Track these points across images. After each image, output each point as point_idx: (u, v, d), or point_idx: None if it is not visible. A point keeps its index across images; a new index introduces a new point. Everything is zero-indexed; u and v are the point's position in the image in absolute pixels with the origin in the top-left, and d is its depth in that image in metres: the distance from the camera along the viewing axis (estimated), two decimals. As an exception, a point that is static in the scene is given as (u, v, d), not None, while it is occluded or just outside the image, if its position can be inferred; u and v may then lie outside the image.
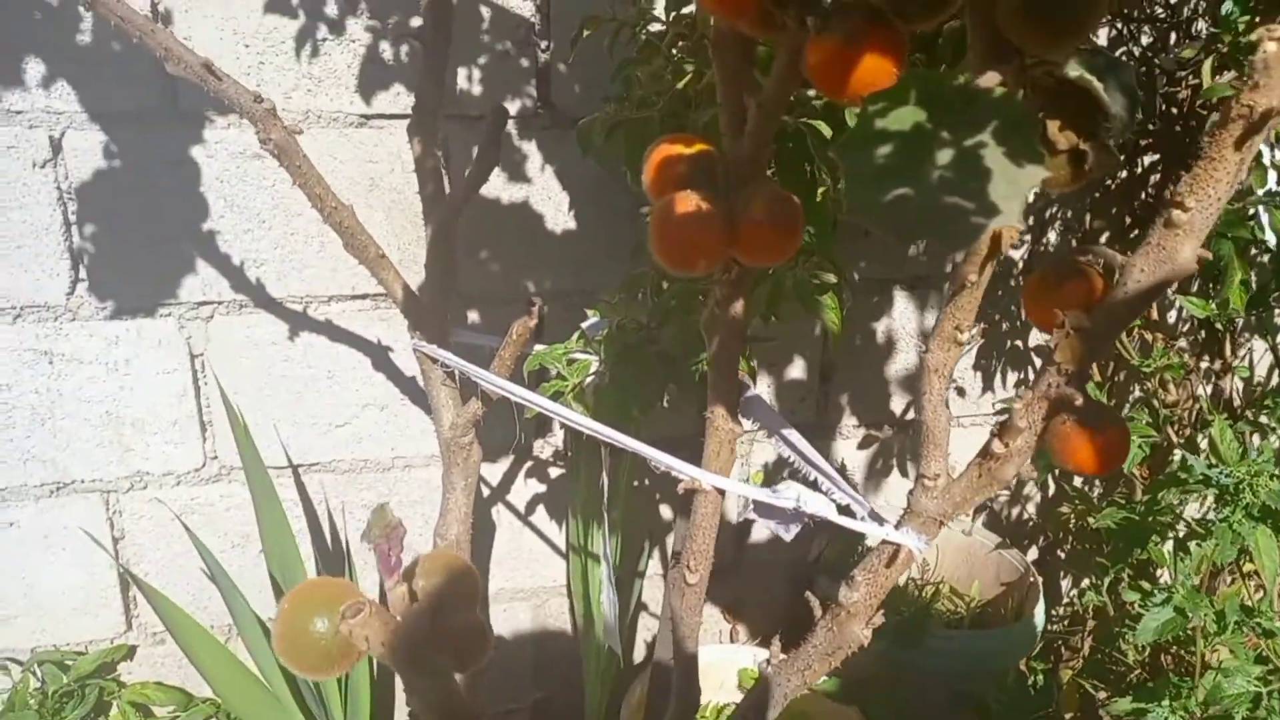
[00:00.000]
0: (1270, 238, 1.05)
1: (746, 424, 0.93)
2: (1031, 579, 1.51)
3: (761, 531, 1.58)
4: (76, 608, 1.32)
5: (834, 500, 0.73)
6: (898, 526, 0.65)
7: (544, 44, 1.26)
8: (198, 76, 0.73)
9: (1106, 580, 1.43)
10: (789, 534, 0.72)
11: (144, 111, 1.15)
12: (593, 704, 1.39)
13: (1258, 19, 1.12)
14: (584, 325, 0.99)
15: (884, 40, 0.52)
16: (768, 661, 0.73)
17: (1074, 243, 1.58)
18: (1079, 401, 0.57)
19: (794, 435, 0.82)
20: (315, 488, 1.36)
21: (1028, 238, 1.58)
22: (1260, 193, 0.94)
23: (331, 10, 1.17)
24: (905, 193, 0.45)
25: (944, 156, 0.45)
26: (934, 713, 1.43)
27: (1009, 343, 1.64)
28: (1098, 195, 1.52)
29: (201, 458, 1.31)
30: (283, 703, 1.20)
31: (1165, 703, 1.24)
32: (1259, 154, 1.07)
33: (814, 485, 0.79)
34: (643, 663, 1.61)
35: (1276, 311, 1.70)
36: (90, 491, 1.28)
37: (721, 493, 0.71)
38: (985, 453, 0.61)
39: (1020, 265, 1.58)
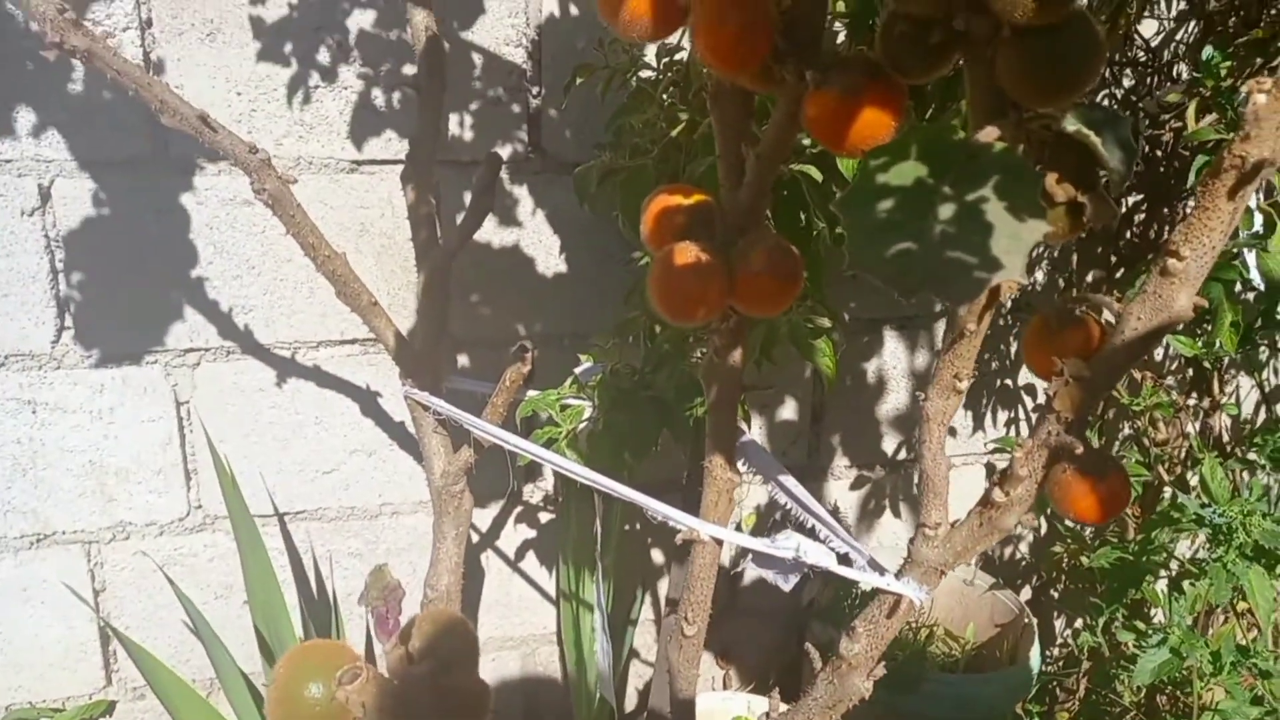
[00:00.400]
0: (1256, 278, 1.06)
1: (740, 467, 0.92)
2: (1026, 620, 1.50)
3: (754, 574, 1.57)
4: (54, 662, 1.28)
5: (832, 548, 0.72)
6: (898, 576, 0.64)
7: (535, 90, 1.27)
8: (193, 129, 0.73)
9: (1101, 621, 1.42)
10: (788, 584, 0.71)
11: (135, 159, 1.15)
12: (585, 755, 1.36)
13: (1236, 63, 1.14)
14: (577, 371, 0.98)
15: (882, 94, 0.52)
16: (767, 715, 0.71)
17: (1061, 282, 1.59)
18: (1079, 450, 0.57)
19: (790, 481, 0.82)
20: (301, 536, 1.34)
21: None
22: (1245, 235, 0.96)
23: (324, 58, 1.17)
24: (908, 247, 0.45)
25: (946, 211, 0.45)
26: (932, 759, 1.41)
27: (999, 381, 1.64)
28: (1084, 235, 1.54)
29: (186, 507, 1.29)
30: (267, 759, 1.16)
31: (1165, 746, 1.23)
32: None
33: (809, 531, 0.79)
34: (634, 711, 1.58)
35: (1263, 349, 1.72)
36: (71, 543, 1.25)
37: (720, 543, 0.70)
38: (986, 501, 0.61)
39: (1009, 305, 1.59)
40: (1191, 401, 1.58)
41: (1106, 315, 0.60)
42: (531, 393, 0.97)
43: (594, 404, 0.95)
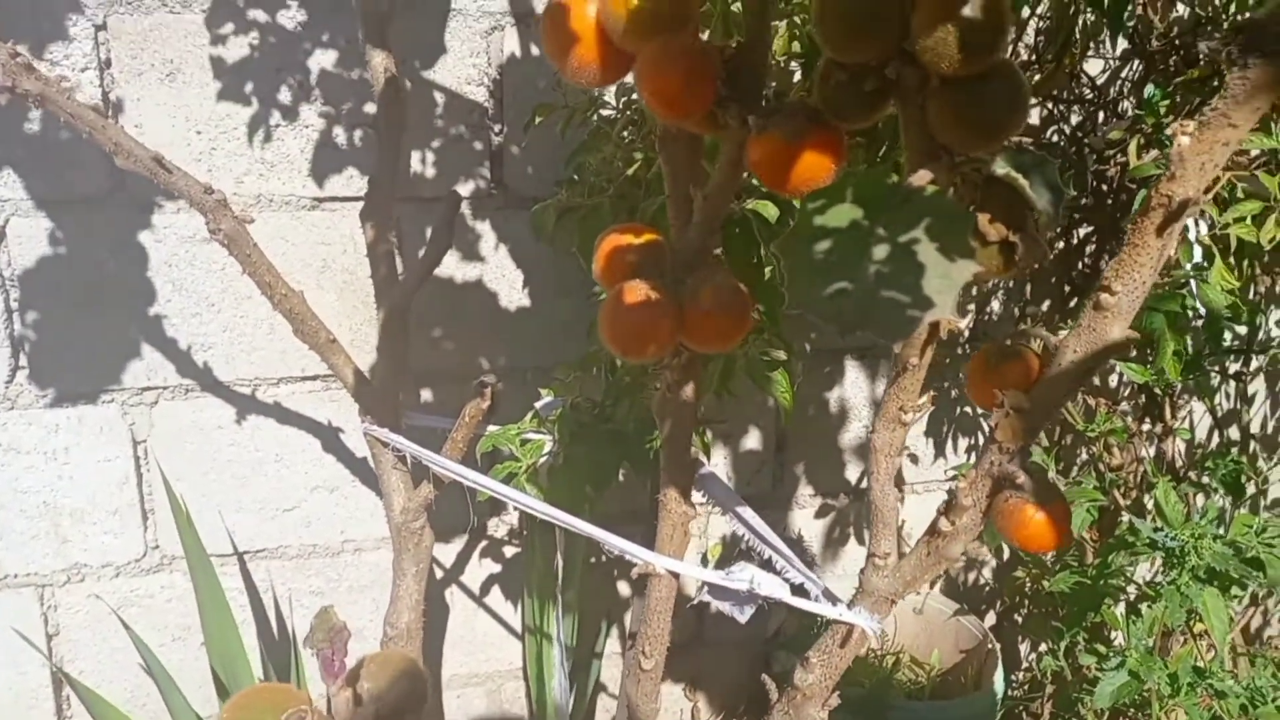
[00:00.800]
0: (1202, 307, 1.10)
1: (699, 498, 0.93)
2: (990, 645, 1.51)
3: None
4: (4, 709, 1.25)
5: (788, 579, 0.73)
6: (850, 606, 0.65)
7: (497, 128, 1.29)
8: (148, 170, 0.73)
9: (1062, 645, 1.44)
10: (744, 615, 0.72)
11: (92, 197, 1.15)
12: (552, 793, 1.35)
13: (1174, 101, 1.18)
14: (538, 405, 0.99)
15: (823, 139, 0.54)
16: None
17: (1017, 312, 1.63)
18: (1020, 479, 0.58)
19: (748, 513, 0.83)
20: (262, 575, 1.33)
21: (971, 308, 1.63)
22: (1188, 267, 0.99)
23: (285, 97, 1.18)
24: (844, 286, 0.46)
25: (880, 252, 0.47)
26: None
27: (959, 409, 1.67)
28: (1036, 267, 1.58)
29: (142, 547, 1.27)
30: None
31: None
32: (1185, 229, 1.12)
33: (768, 563, 0.79)
34: (603, 746, 1.57)
35: (1214, 375, 1.77)
36: (24, 586, 1.23)
37: (676, 576, 0.70)
38: (933, 530, 0.62)
39: (965, 335, 1.62)
40: (1145, 427, 1.61)
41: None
42: (492, 428, 0.98)
43: (554, 438, 0.95)
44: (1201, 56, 1.17)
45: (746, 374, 0.91)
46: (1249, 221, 0.97)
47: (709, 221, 0.61)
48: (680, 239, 0.62)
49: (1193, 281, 1.05)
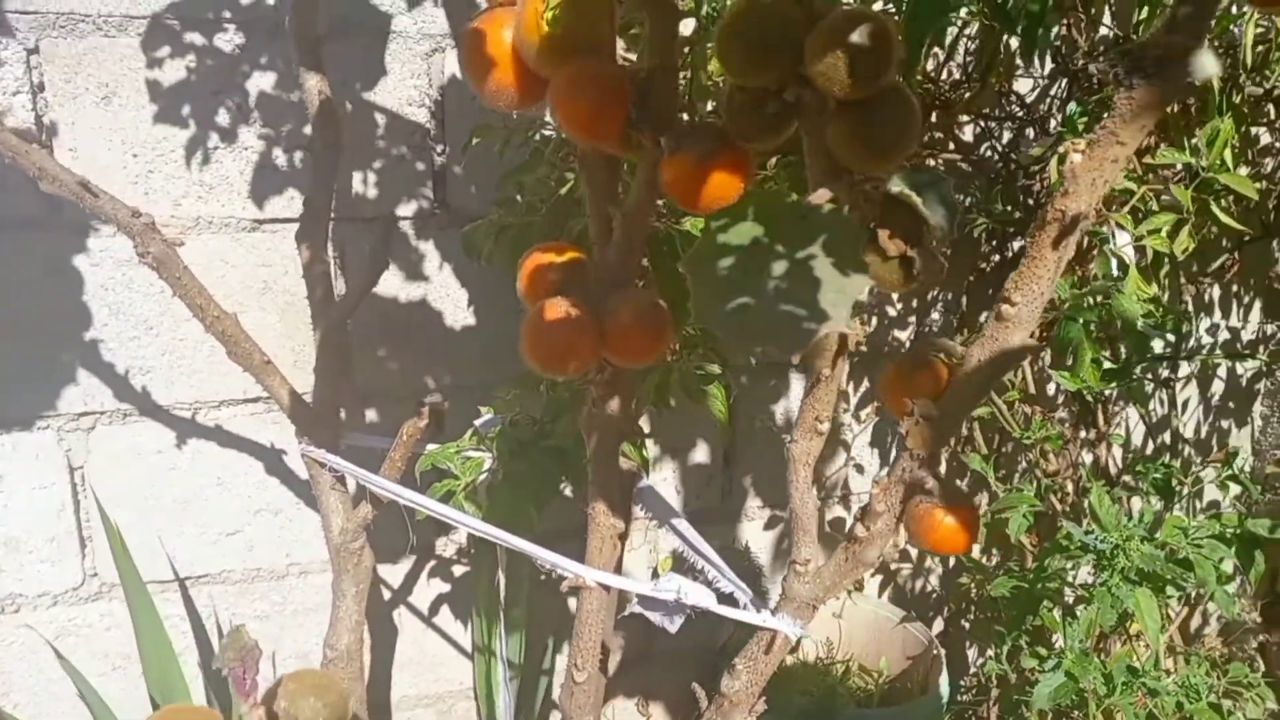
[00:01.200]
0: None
1: (640, 513, 0.94)
2: (935, 651, 1.54)
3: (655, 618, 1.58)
4: (-63, 746, 1.22)
5: (719, 589, 0.74)
6: (774, 613, 0.66)
7: (440, 148, 1.30)
8: (74, 194, 0.73)
9: (1005, 649, 1.47)
10: (674, 625, 0.73)
11: (26, 220, 1.13)
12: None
13: (1089, 118, 1.23)
14: (477, 423, 1.00)
15: (731, 160, 0.56)
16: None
17: (955, 322, 1.67)
18: (930, 485, 0.61)
19: (683, 525, 0.84)
20: (204, 601, 1.31)
21: (912, 319, 1.66)
22: (1102, 278, 1.03)
23: (224, 120, 1.18)
24: (745, 302, 0.48)
25: (779, 268, 0.49)
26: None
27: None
28: (973, 279, 1.63)
29: (80, 575, 1.24)
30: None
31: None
32: (1105, 239, 1.17)
33: (699, 574, 0.81)
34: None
35: (1148, 382, 1.82)
36: (-44, 618, 1.20)
37: (606, 589, 0.71)
38: (850, 537, 0.64)
39: (908, 345, 1.66)
40: (1081, 434, 1.66)
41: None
42: (432, 446, 0.98)
43: (494, 456, 0.96)
44: (1094, 78, 1.22)
45: (681, 389, 0.92)
46: (1164, 234, 1.01)
47: (628, 240, 0.63)
48: (601, 257, 0.64)
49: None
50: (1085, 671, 1.28)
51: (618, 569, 0.79)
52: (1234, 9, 1.13)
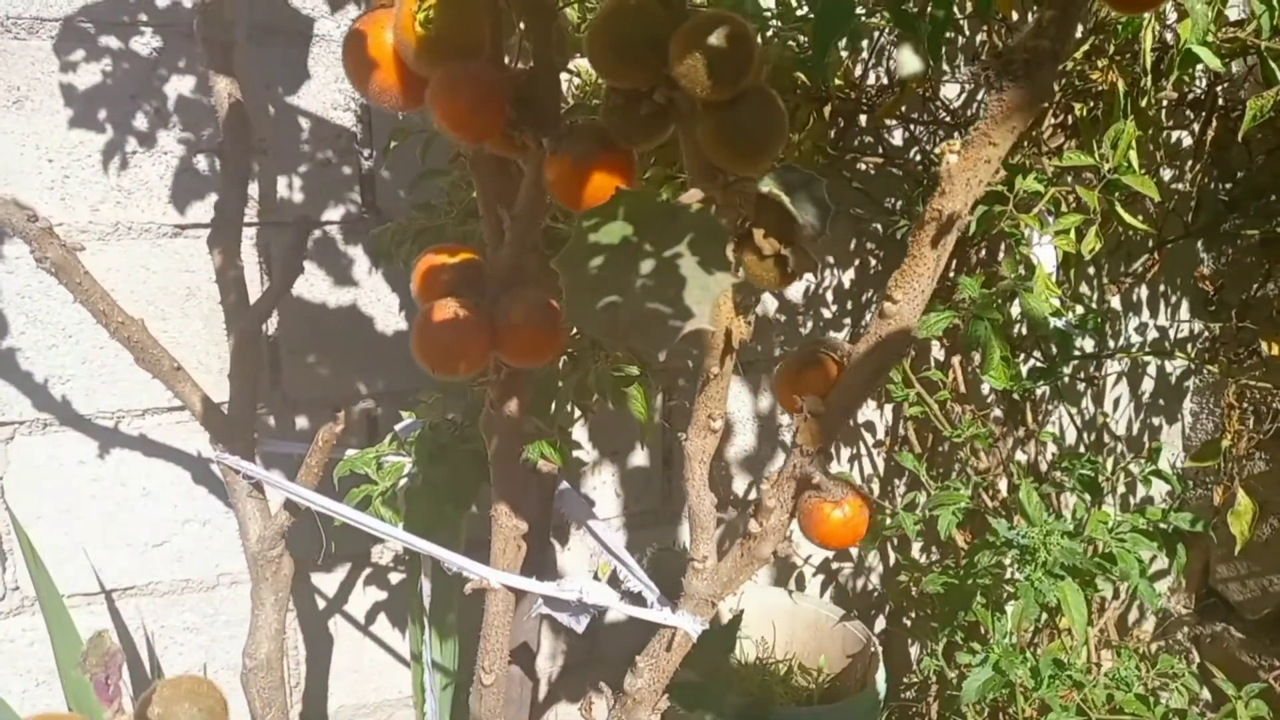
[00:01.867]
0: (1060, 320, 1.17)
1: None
2: (873, 649, 1.56)
3: (617, 621, 1.58)
4: None
5: (628, 589, 0.75)
6: (674, 610, 0.67)
7: (366, 152, 1.29)
8: (-37, 197, 0.72)
9: (941, 645, 1.49)
10: (580, 625, 0.73)
11: (-66, 228, 1.11)
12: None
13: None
14: (397, 428, 0.99)
15: (612, 160, 0.56)
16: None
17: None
18: (817, 479, 0.61)
19: (598, 526, 0.85)
20: (132, 613, 1.29)
21: (848, 321, 1.68)
22: (1011, 277, 1.05)
23: (141, 124, 1.17)
24: (615, 300, 0.49)
25: (647, 266, 0.49)
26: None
27: (839, 421, 1.72)
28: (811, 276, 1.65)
29: (1, 589, 1.22)
30: None
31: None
32: (1020, 239, 1.19)
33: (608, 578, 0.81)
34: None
35: (1079, 381, 1.86)
36: None
37: (512, 590, 0.71)
38: (745, 533, 0.65)
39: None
40: (1017, 433, 1.69)
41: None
42: (350, 451, 0.97)
43: (413, 460, 0.96)
44: (966, 81, 1.25)
45: (598, 391, 0.93)
46: (1070, 235, 1.04)
47: (520, 240, 0.63)
48: (495, 258, 0.64)
49: (1045, 249, 1.11)
50: (1013, 665, 1.30)
51: (551, 571, 0.79)
52: (1145, 15, 1.16)
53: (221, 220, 0.92)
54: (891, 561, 1.81)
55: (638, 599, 0.75)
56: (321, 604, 1.41)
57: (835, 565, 1.79)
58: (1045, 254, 1.20)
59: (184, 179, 1.19)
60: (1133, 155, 1.01)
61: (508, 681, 1.02)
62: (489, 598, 0.72)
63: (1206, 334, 1.87)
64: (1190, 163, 1.58)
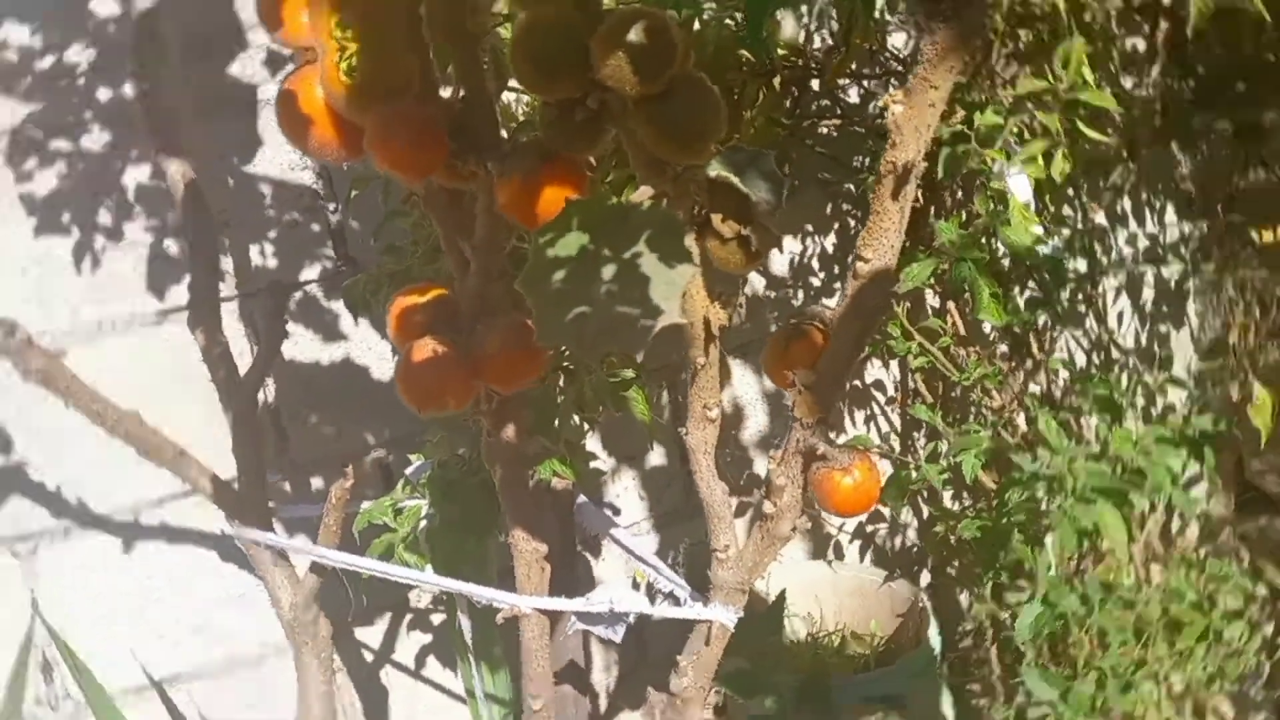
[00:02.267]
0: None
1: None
2: (921, 605, 1.55)
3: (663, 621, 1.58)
4: None
5: (660, 590, 0.75)
6: (706, 604, 0.67)
7: (332, 206, 1.29)
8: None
9: (988, 588, 1.49)
10: (617, 635, 0.73)
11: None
12: None
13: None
14: (407, 471, 0.99)
15: (559, 172, 0.56)
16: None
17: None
18: (822, 450, 0.61)
19: (620, 534, 0.85)
20: (185, 700, 1.29)
21: (838, 285, 1.68)
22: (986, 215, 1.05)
23: (106, 219, 1.17)
24: (583, 311, 0.49)
25: (609, 272, 0.49)
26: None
27: (847, 384, 1.72)
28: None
29: (54, 700, 1.23)
30: None
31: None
32: (989, 174, 1.18)
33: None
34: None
35: (1080, 304, 1.85)
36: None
37: (545, 614, 0.72)
38: (761, 515, 0.65)
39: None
40: (1027, 366, 1.68)
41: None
42: (366, 504, 0.98)
43: (429, 501, 0.96)
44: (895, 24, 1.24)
45: (598, 400, 0.93)
46: (1039, 160, 1.03)
47: (485, 270, 0.63)
48: (463, 290, 0.64)
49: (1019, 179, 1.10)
50: (1061, 596, 1.29)
51: (587, 584, 0.79)
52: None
53: (197, 299, 0.93)
54: (925, 515, 1.80)
55: (673, 599, 0.75)
56: (369, 657, 1.41)
57: (870, 528, 1.79)
58: (1018, 184, 1.19)
59: (157, 266, 1.20)
60: (1086, 71, 1.00)
61: (559, 702, 1.02)
62: (522, 624, 0.72)
63: (1198, 233, 1.86)
64: (1148, 67, 1.58)
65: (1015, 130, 1.06)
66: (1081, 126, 0.98)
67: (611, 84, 0.49)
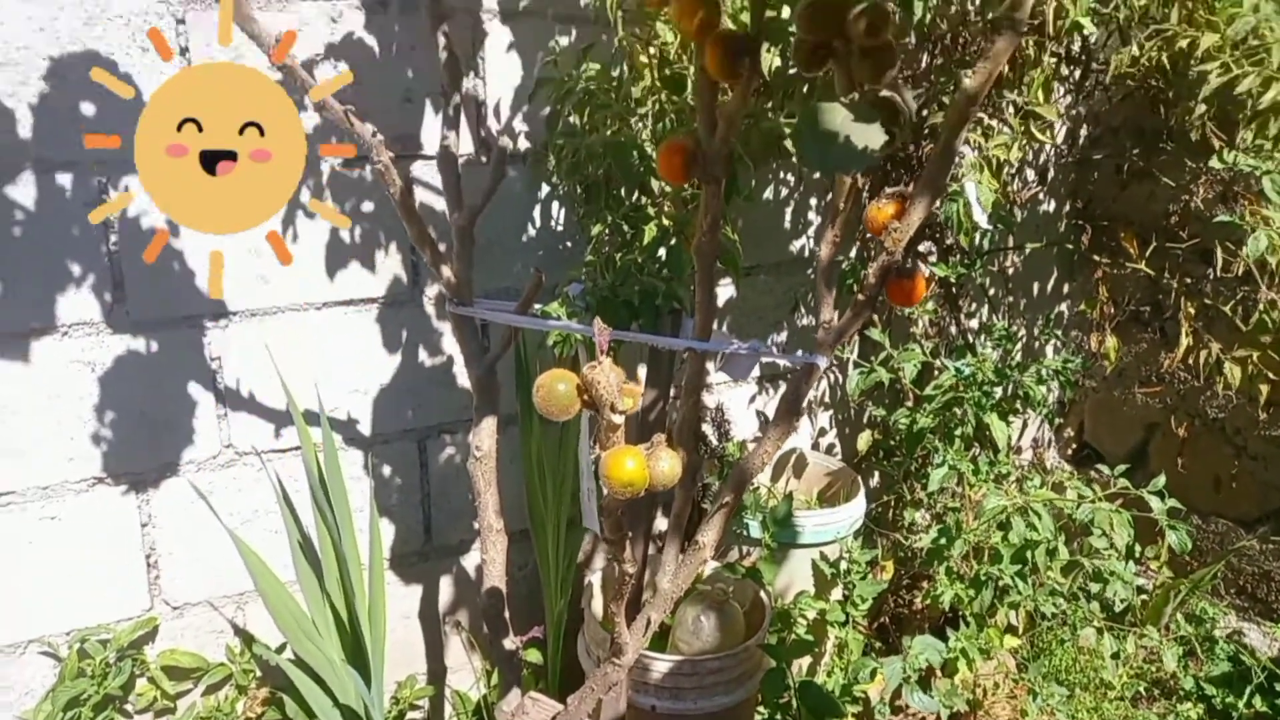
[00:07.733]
0: (977, 211, 1.70)
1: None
2: (851, 475, 2.09)
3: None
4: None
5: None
6: (809, 354, 1.15)
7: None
8: (341, 119, 1.12)
9: (902, 469, 2.04)
10: (751, 375, 1.19)
11: None
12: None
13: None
14: (568, 289, 1.43)
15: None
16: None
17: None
18: (894, 264, 1.10)
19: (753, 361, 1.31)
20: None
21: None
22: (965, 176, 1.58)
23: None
24: (826, 144, 0.96)
25: (837, 121, 0.96)
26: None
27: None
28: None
29: (218, 447, 1.59)
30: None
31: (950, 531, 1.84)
32: (962, 157, 1.72)
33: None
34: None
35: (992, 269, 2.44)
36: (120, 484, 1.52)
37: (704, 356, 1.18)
38: (860, 294, 1.13)
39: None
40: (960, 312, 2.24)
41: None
42: (537, 306, 1.41)
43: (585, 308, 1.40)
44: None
45: (761, 146, 1.39)
46: (1006, 145, 1.57)
47: (728, 133, 1.08)
48: (708, 143, 1.09)
49: (970, 184, 1.64)
50: (960, 461, 1.85)
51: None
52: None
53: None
54: (867, 416, 2.34)
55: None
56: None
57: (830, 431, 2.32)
58: (970, 189, 1.73)
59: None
60: (1040, 92, 1.54)
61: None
62: (690, 360, 1.18)
63: (1086, 236, 2.48)
64: (1069, 103, 2.17)
65: (985, 130, 1.60)
66: (1033, 129, 1.52)
67: (852, 35, 0.96)
